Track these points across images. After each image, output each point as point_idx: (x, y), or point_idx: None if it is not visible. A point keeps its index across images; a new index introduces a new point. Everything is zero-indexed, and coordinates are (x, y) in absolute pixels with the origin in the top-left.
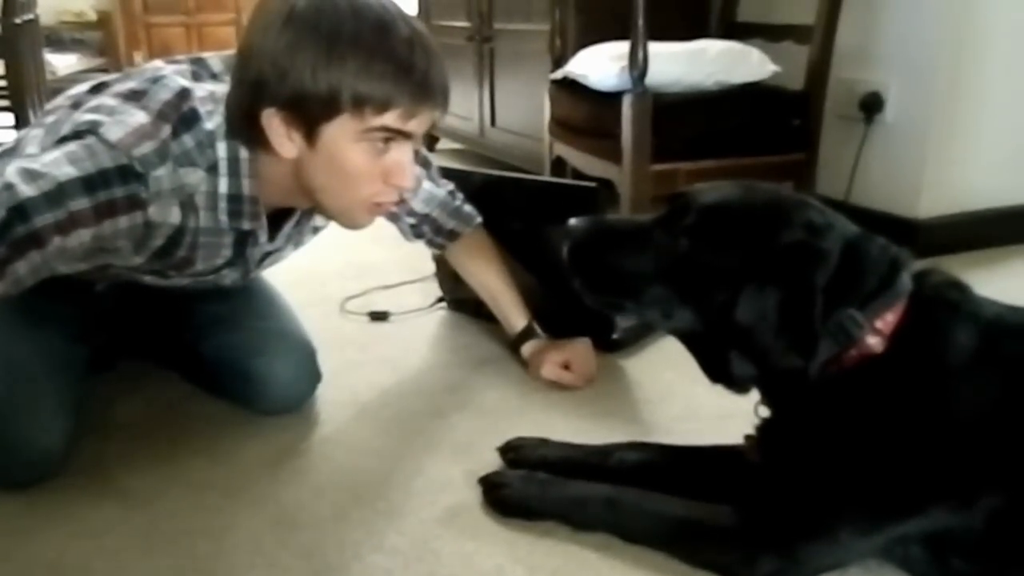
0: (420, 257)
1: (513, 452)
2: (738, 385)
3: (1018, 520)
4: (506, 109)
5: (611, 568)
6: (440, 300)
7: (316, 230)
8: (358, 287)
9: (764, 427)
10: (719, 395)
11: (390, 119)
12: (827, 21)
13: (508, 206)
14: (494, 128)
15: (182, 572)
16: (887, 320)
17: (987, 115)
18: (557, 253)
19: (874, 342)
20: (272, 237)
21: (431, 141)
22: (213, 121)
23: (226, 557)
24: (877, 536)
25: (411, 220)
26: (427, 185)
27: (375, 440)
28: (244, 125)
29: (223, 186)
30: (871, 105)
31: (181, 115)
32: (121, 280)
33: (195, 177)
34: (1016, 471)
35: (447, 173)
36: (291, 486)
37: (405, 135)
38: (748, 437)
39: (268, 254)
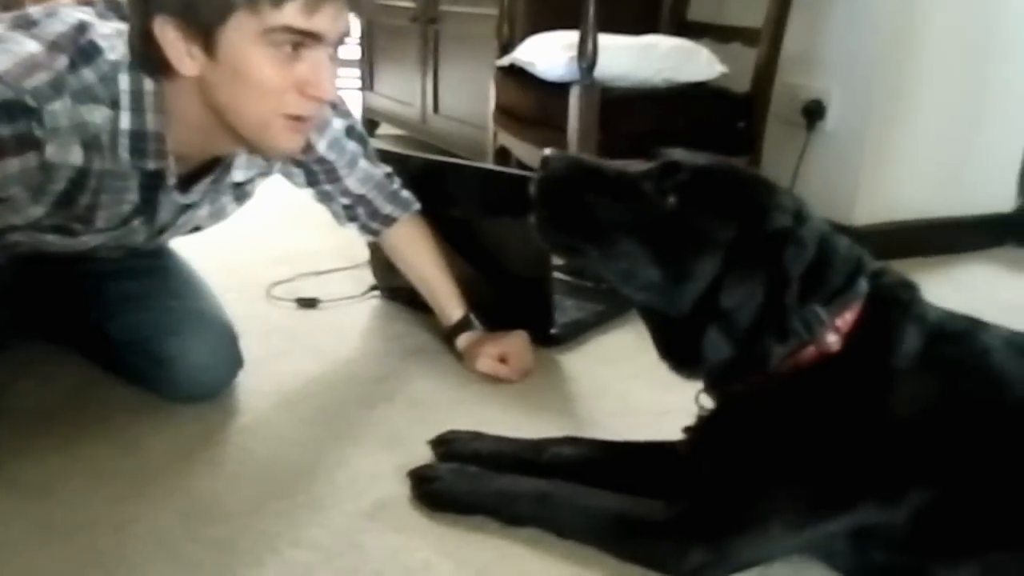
0: (353, 244)
1: (445, 445)
2: (691, 366)
3: (940, 516)
4: (450, 95)
5: (541, 563)
6: (373, 288)
7: (241, 197)
8: (286, 273)
9: (704, 420)
10: (655, 391)
11: (290, 14)
12: (775, 25)
13: (448, 193)
14: (437, 115)
15: (81, 566)
16: (846, 319)
17: (923, 128)
18: (499, 243)
19: (832, 340)
20: (186, 190)
21: (371, 126)
22: (116, 52)
23: (129, 551)
24: (808, 531)
25: (345, 200)
26: (363, 164)
27: (298, 431)
28: (141, 45)
29: (125, 121)
30: (813, 112)
31: (79, 47)
32: (22, 250)
33: (99, 115)
34: (943, 470)
35: (385, 156)
36: (204, 477)
37: (314, 37)
38: (687, 429)
39: (183, 210)
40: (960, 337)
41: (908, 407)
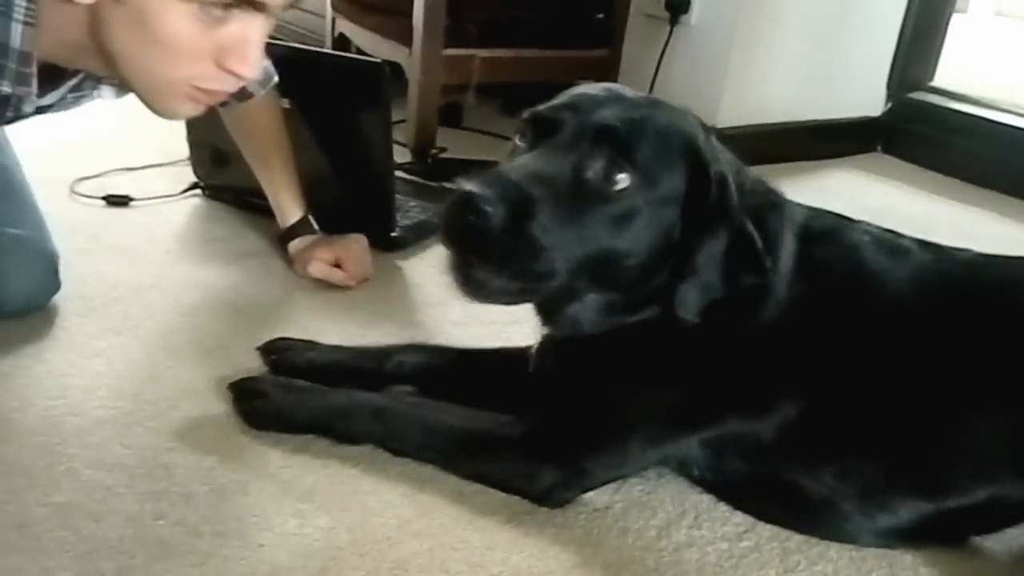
0: (172, 138)
1: (276, 354)
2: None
3: (805, 425)
4: None
5: (375, 484)
6: (194, 186)
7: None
8: (94, 168)
9: (557, 340)
10: None
11: None
12: None
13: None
14: None
15: None
16: None
17: (791, 25)
18: (335, 138)
19: None
20: (41, 93)
21: None
22: None
23: None
24: (668, 446)
25: None
26: None
27: (101, 340)
28: None
29: None
30: (677, 5)
31: None
32: None
33: None
34: (812, 378)
35: None
36: None
37: (255, 5)
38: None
39: (30, 115)
40: (828, 236)
41: (778, 314)
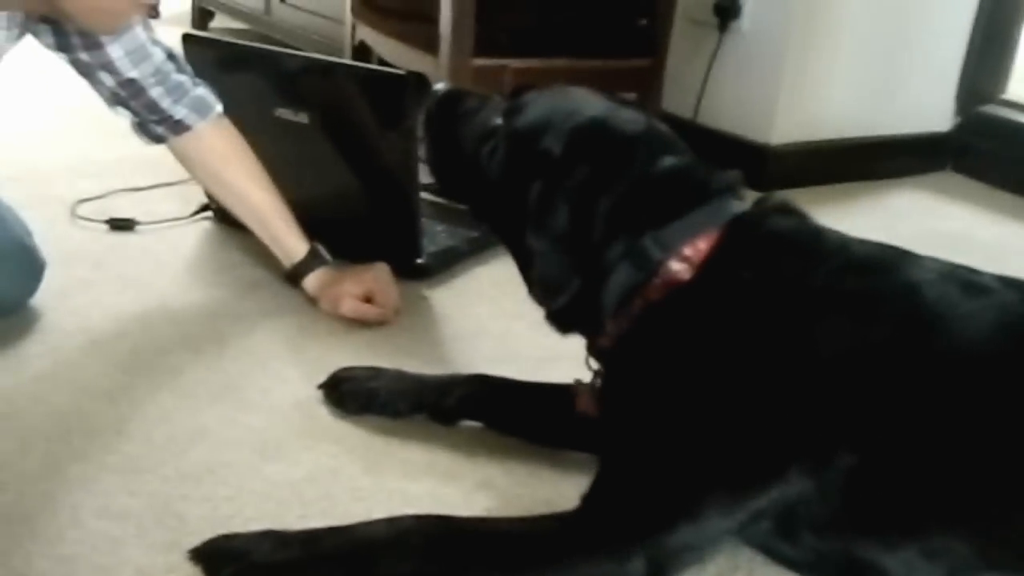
0: None
1: (338, 387)
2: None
3: (870, 487)
4: None
5: None
6: (204, 209)
7: None
8: (96, 188)
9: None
10: (539, 333)
11: None
12: None
13: (290, 92)
14: (283, 3)
15: None
16: (697, 246)
17: (851, 33)
18: (354, 155)
19: (678, 268)
20: None
21: (203, 16)
22: None
23: None
24: (739, 511)
25: (109, 81)
26: (139, 32)
27: (106, 379)
28: None
29: None
30: (727, 9)
31: None
32: None
33: None
34: (868, 429)
35: (214, 44)
36: None
37: None
38: (579, 383)
39: None
40: (874, 267)
41: (807, 350)
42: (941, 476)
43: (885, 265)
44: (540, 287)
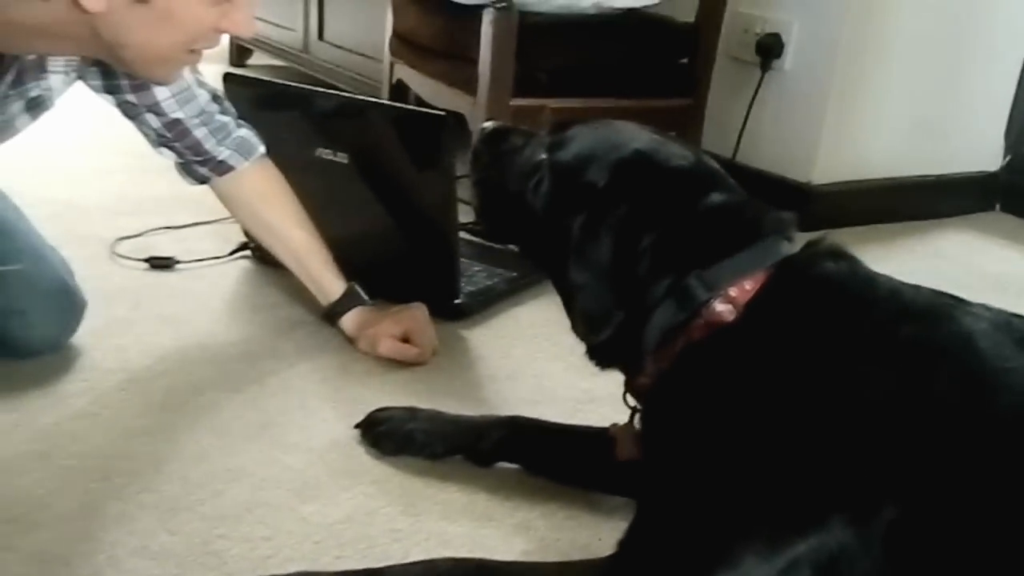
0: None
1: (374, 427)
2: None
3: (916, 544)
4: (338, 18)
5: None
6: (243, 247)
7: (36, 107)
8: (135, 226)
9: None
10: (577, 375)
11: None
12: None
13: (328, 131)
14: (322, 41)
15: None
16: (743, 287)
17: (897, 71)
18: (393, 194)
19: (723, 309)
20: None
21: (241, 54)
22: None
23: None
24: (778, 559)
25: (154, 122)
26: (186, 74)
27: (146, 417)
28: None
29: None
30: (770, 48)
31: None
32: None
33: None
34: (914, 483)
35: (255, 84)
36: (27, 474)
37: None
38: (616, 427)
39: None
40: (927, 316)
41: (852, 394)
42: (985, 539)
43: (936, 313)
44: (582, 320)
